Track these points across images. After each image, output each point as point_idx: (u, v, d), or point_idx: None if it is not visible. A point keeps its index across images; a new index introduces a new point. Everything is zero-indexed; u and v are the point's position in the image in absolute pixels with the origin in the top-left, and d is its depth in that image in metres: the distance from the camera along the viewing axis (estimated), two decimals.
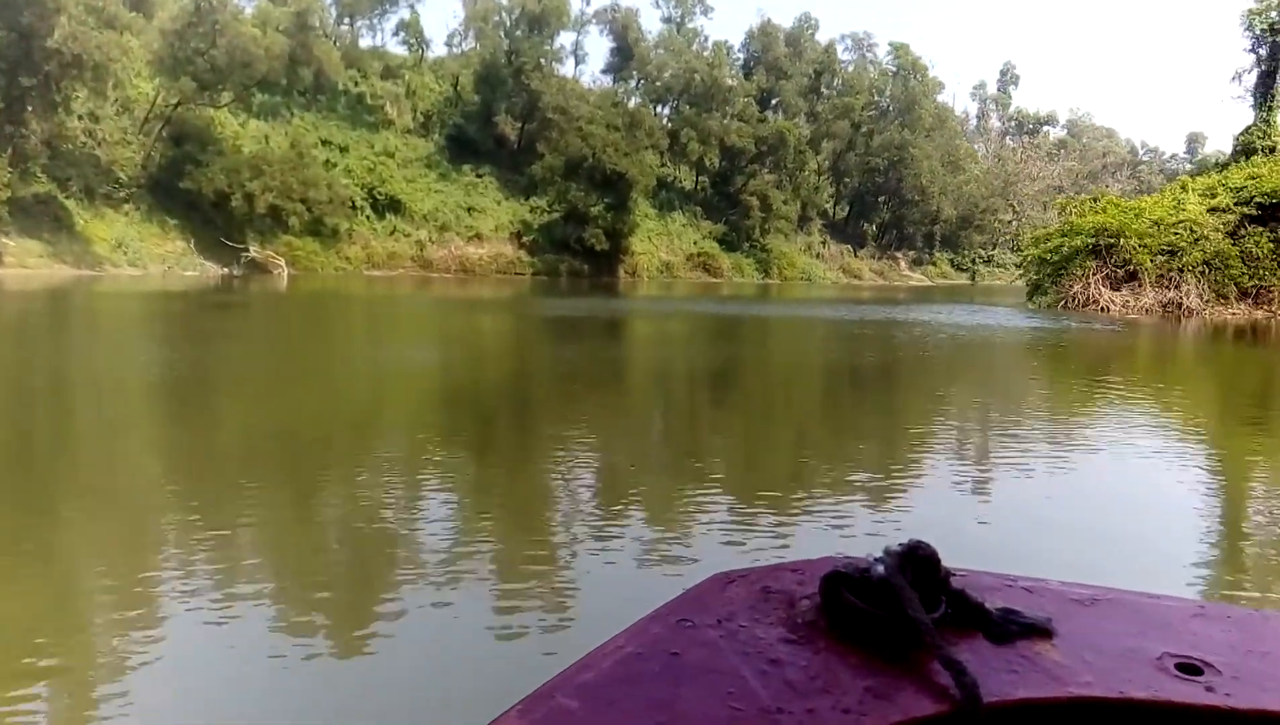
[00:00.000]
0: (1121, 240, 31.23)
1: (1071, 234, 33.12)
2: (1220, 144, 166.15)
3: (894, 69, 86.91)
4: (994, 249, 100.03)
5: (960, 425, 11.36)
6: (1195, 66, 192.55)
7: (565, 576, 5.37)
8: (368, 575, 5.34)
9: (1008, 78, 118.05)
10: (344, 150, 60.15)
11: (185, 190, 47.98)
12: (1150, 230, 31.55)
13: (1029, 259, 37.45)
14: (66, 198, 45.12)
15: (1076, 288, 31.60)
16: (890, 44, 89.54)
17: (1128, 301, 30.70)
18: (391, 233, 58.51)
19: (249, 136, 54.81)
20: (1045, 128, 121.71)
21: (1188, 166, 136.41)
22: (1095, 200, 36.48)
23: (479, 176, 65.23)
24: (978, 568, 1.00)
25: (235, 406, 11.33)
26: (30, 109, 41.98)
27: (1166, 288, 30.79)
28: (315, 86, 61.83)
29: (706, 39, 79.80)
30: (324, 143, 59.15)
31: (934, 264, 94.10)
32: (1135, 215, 32.78)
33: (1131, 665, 0.84)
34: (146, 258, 45.83)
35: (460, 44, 74.06)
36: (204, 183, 47.71)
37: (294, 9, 50.14)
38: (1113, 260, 31.31)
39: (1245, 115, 41.53)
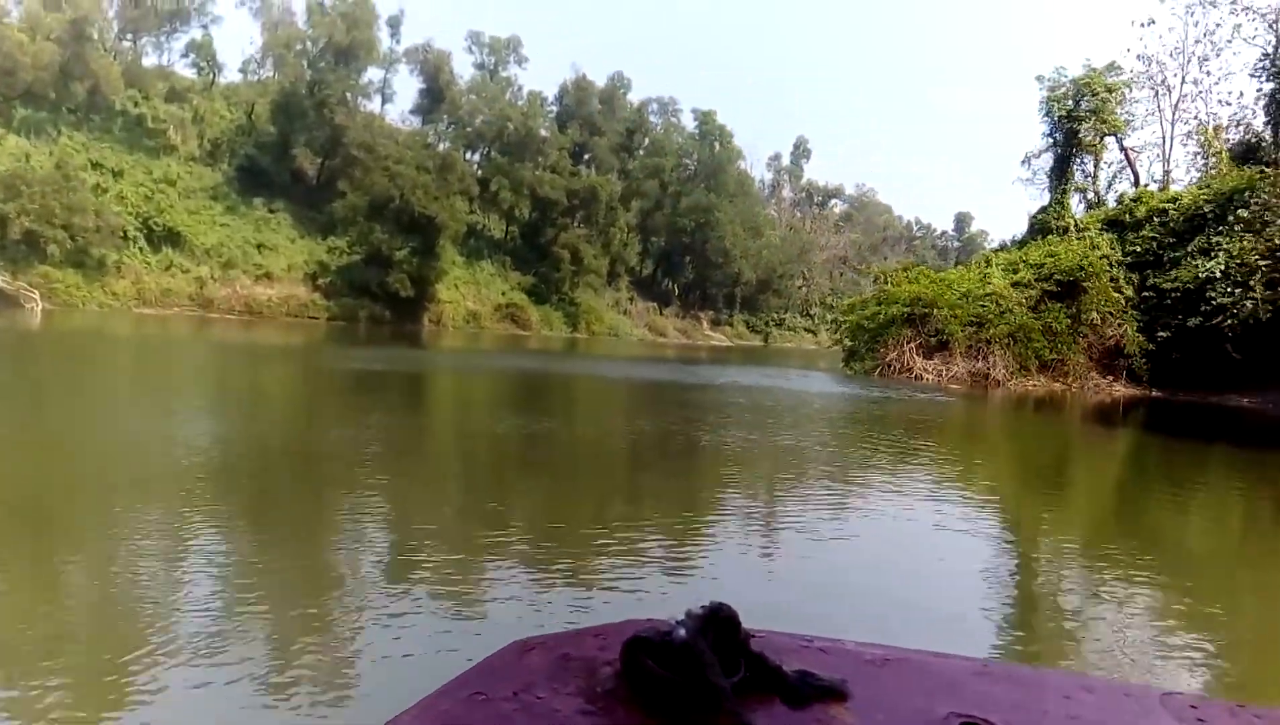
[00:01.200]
0: (935, 310, 32.21)
1: (888, 302, 33.93)
2: (985, 224, 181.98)
3: (699, 134, 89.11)
4: (785, 313, 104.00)
5: (774, 492, 11.10)
6: (964, 152, 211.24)
7: (349, 650, 4.92)
8: (118, 659, 4.57)
9: (800, 151, 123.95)
10: (118, 175, 54.56)
11: None
12: (960, 301, 32.74)
13: (845, 325, 38.13)
14: None
15: (892, 355, 32.24)
16: (694, 110, 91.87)
17: (940, 370, 31.54)
18: (168, 268, 53.30)
19: (6, 154, 48.59)
20: (833, 201, 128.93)
21: (955, 243, 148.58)
22: (907, 270, 37.79)
23: (272, 212, 60.95)
24: (777, 628, 1.05)
25: None
26: None
27: (975, 358, 31.90)
28: (89, 104, 56.11)
29: (520, 88, 79.04)
30: (95, 165, 53.43)
31: (731, 324, 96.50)
32: (946, 286, 34.01)
33: None
34: None
35: (257, 71, 69.76)
36: None
37: (69, 16, 45.01)
38: (926, 329, 32.20)
39: (1020, 197, 44.21)
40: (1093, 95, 37.15)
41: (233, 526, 7.57)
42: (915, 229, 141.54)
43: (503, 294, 70.39)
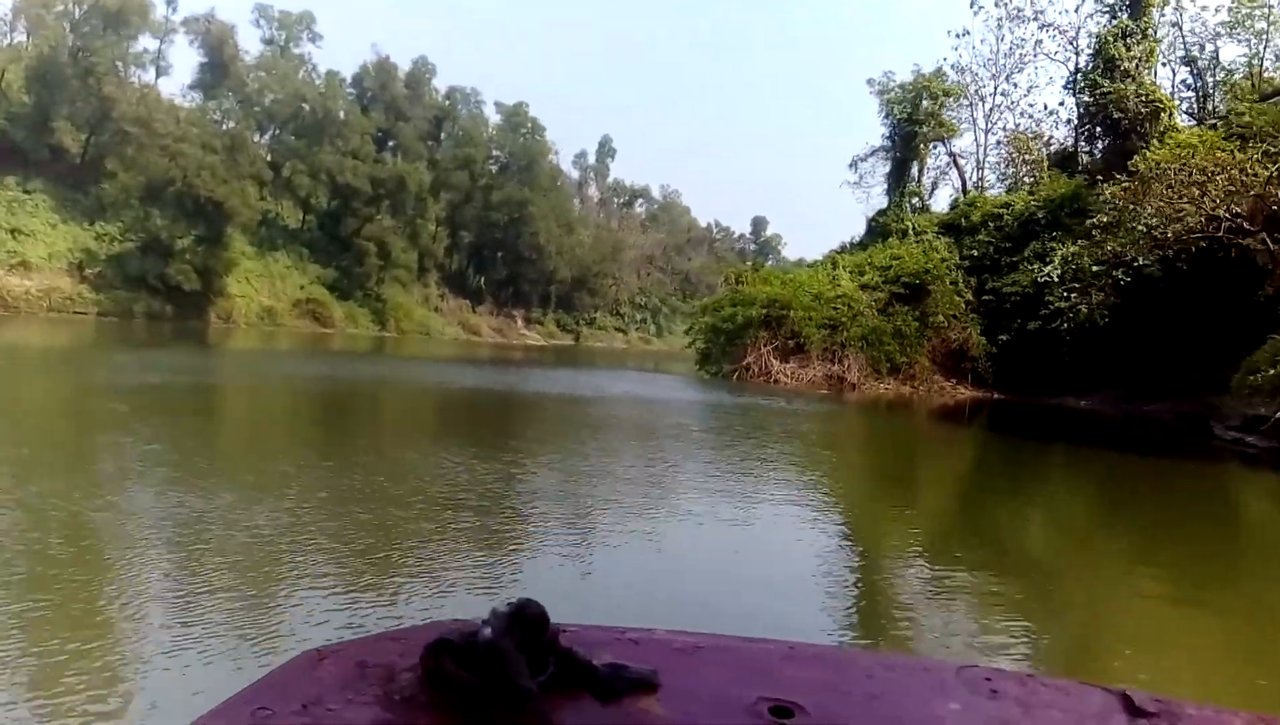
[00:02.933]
0: (790, 312, 31.15)
1: (744, 303, 32.52)
2: (779, 227, 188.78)
3: (509, 126, 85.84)
4: (596, 312, 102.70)
5: (623, 496, 10.53)
6: (759, 155, 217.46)
7: (118, 664, 4.49)
8: None
9: (605, 150, 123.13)
10: None
11: None
12: (813, 303, 31.86)
13: (699, 327, 36.50)
14: None
15: (750, 358, 30.89)
16: (497, 103, 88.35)
17: (797, 373, 30.53)
18: None
19: None
20: (639, 201, 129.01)
21: (752, 246, 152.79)
22: (756, 270, 36.69)
23: (27, 193, 53.00)
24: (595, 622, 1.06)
25: None
26: None
27: (831, 361, 31.11)
28: None
29: (315, 67, 73.20)
30: None
31: (543, 323, 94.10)
32: (798, 287, 33.07)
33: (729, 712, 0.90)
34: None
35: (8, 35, 60.67)
36: None
37: None
38: (782, 332, 31.09)
39: (821, 202, 44.40)
40: (931, 98, 37.49)
41: None
42: (715, 231, 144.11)
43: (301, 288, 64.75)
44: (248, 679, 0.82)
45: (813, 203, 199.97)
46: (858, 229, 43.51)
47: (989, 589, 7.44)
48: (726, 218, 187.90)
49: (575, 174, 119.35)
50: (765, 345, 31.10)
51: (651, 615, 5.79)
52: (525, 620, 0.84)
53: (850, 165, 43.16)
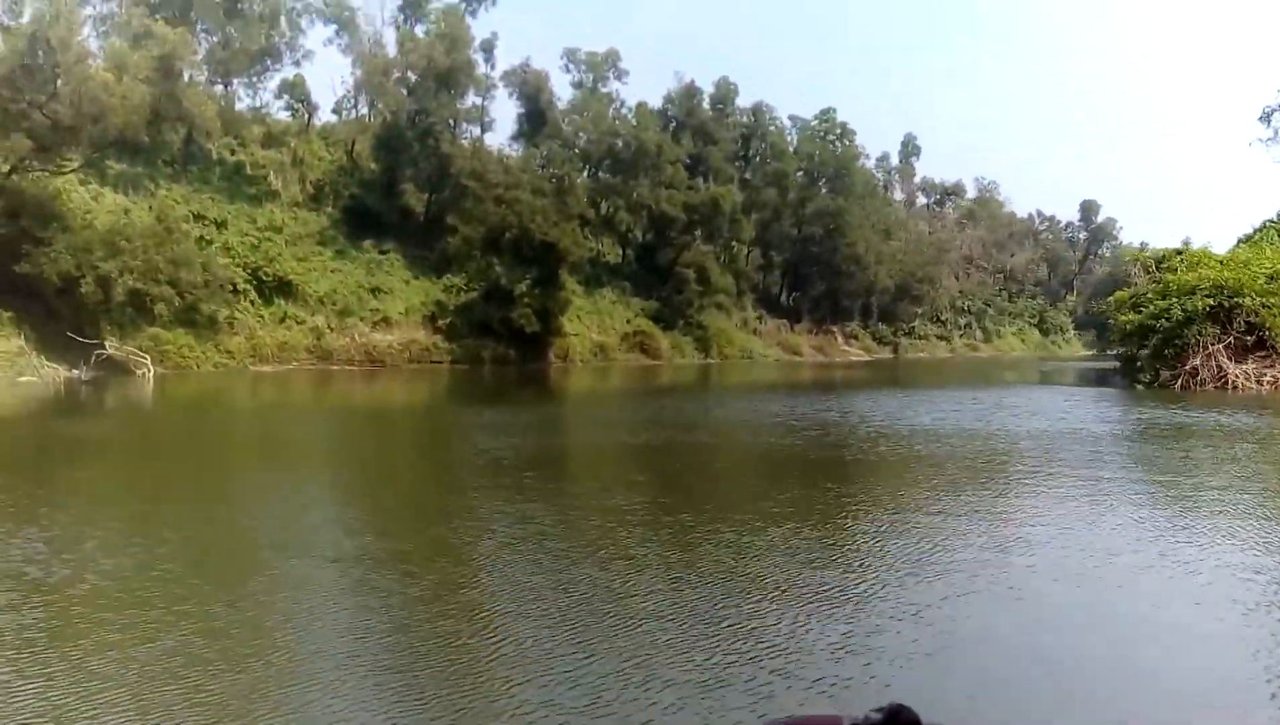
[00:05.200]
0: (1244, 300, 25.21)
1: (1180, 294, 26.72)
2: (1114, 211, 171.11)
3: (819, 134, 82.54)
4: (915, 321, 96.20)
5: None
6: (1083, 132, 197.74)
7: None
8: None
9: (909, 149, 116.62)
10: (221, 225, 50.81)
11: (22, 275, 37.92)
12: (1271, 287, 25.65)
13: (1118, 328, 30.87)
14: None
15: (1195, 360, 25.29)
16: (791, 116, 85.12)
17: (1259, 375, 24.60)
18: (282, 320, 49.16)
19: (104, 211, 45.07)
20: (950, 198, 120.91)
21: (1082, 234, 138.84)
22: (1179, 253, 30.65)
23: (383, 253, 56.64)
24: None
25: None
26: None
27: None
28: (185, 155, 52.76)
29: (623, 103, 73.88)
30: (197, 217, 49.76)
31: (857, 337, 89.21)
32: (1240, 269, 26.87)
33: None
34: None
35: (352, 108, 65.95)
36: (46, 265, 37.78)
37: (156, 53, 41.03)
38: (1234, 326, 25.23)
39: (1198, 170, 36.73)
40: None
41: None
42: (1037, 221, 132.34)
43: (627, 322, 64.93)
44: None
45: (1160, 178, 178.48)
46: (1250, 196, 35.86)
47: None
48: (1049, 206, 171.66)
49: (878, 177, 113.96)
50: (1214, 343, 25.30)
51: None
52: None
53: (1261, 118, 35.84)
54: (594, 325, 62.95)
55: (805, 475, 15.69)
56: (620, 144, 68.56)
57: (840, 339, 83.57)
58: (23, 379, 35.58)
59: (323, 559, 9.45)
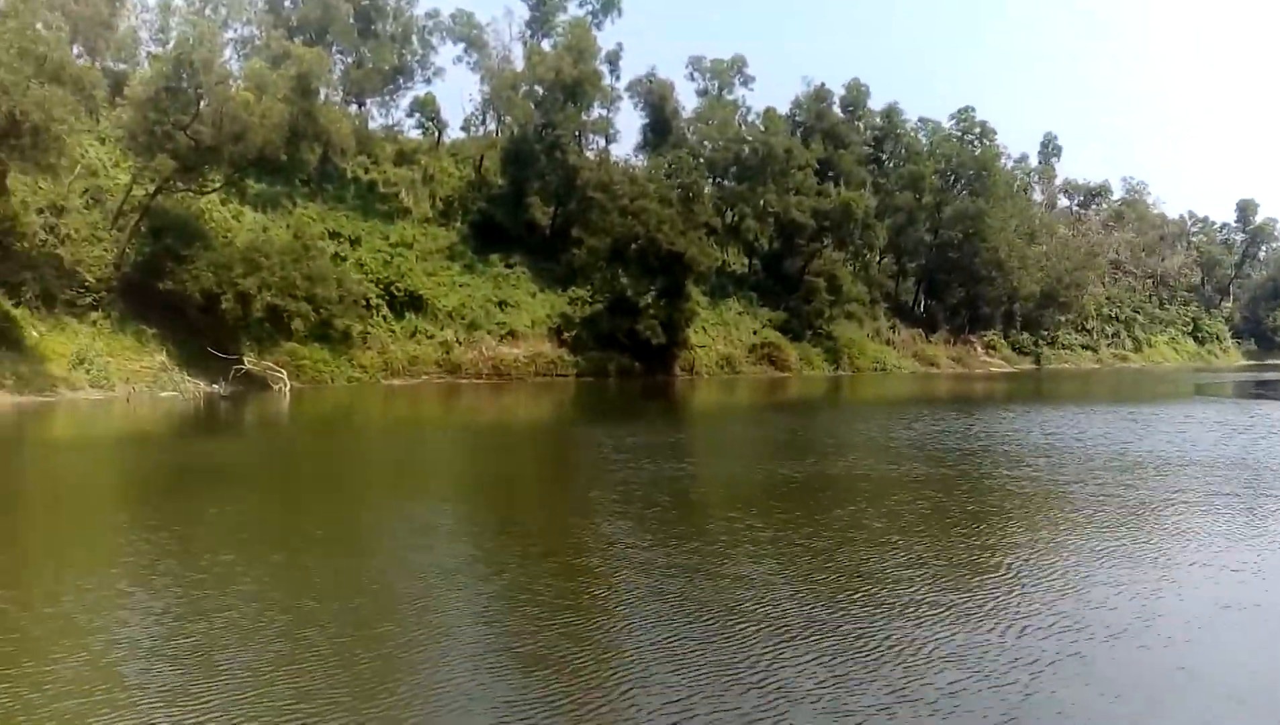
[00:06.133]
0: None
1: None
2: (1273, 211, 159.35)
3: (958, 134, 79.05)
4: (1058, 329, 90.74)
5: None
6: (1237, 132, 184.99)
7: None
8: None
9: (1050, 149, 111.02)
10: (354, 242, 51.72)
11: (166, 292, 39.11)
12: None
13: None
14: (16, 306, 36.31)
15: None
16: (921, 118, 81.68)
17: None
18: (412, 334, 49.56)
19: (243, 229, 46.32)
20: (1096, 199, 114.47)
21: (1240, 236, 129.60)
22: None
23: (509, 267, 56.63)
24: None
25: None
26: None
27: None
28: (320, 174, 53.94)
29: (749, 110, 72.26)
30: (332, 235, 50.78)
31: (995, 347, 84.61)
32: None
33: None
34: (114, 376, 36.56)
35: (480, 124, 66.47)
36: (189, 282, 38.82)
37: (293, 71, 41.81)
38: None
39: None
40: None
41: None
42: (1190, 223, 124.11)
43: (754, 333, 63.23)
44: None
45: None
46: None
47: None
48: (1203, 206, 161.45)
49: (1018, 179, 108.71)
50: None
51: None
52: None
53: None
54: (720, 337, 61.54)
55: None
56: (746, 151, 67.04)
57: (979, 349, 79.57)
58: (165, 394, 36.51)
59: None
